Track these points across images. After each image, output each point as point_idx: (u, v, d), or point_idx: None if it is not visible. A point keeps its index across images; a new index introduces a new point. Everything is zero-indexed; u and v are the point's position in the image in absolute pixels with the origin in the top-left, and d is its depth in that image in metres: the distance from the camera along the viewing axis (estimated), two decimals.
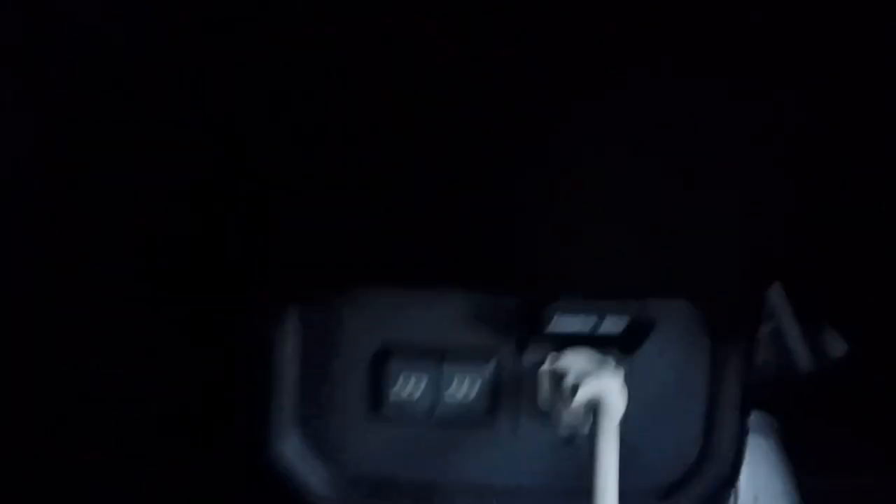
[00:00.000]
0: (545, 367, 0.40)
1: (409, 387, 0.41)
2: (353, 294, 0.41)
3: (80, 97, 0.35)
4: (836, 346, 0.51)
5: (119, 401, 0.42)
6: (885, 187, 0.44)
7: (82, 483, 0.40)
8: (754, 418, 0.50)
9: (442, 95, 0.30)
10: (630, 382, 0.42)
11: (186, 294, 0.43)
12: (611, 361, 0.40)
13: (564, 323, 0.39)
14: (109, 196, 0.39)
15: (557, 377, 0.39)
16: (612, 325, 0.39)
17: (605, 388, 0.37)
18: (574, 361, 0.40)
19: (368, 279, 0.41)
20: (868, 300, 0.48)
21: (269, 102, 0.32)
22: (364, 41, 0.30)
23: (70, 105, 0.35)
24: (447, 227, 0.37)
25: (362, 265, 0.41)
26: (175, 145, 0.37)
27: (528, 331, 0.40)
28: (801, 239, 0.40)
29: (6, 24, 0.31)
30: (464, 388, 0.41)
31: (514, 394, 0.41)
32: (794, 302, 0.50)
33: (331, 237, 0.39)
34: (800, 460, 0.49)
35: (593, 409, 0.37)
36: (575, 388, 0.38)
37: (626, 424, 0.42)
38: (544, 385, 0.40)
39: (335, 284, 0.41)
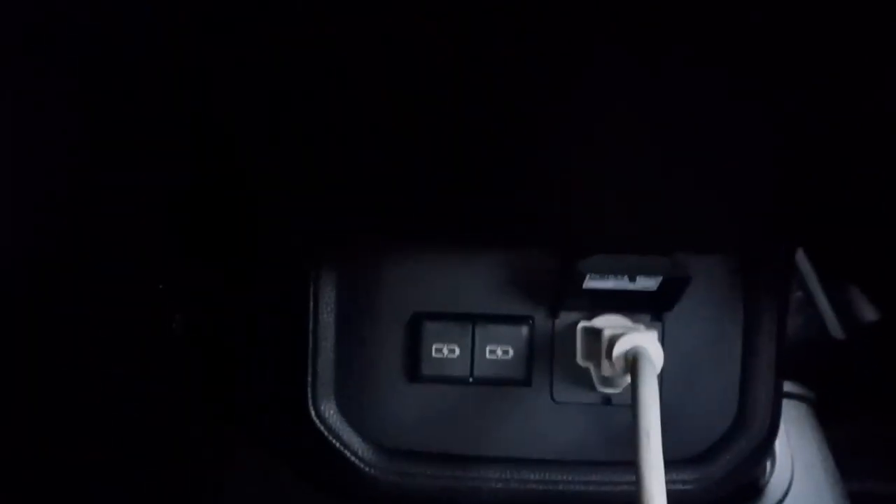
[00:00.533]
0: (582, 323, 0.40)
1: (445, 350, 0.41)
2: (388, 258, 0.42)
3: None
4: (866, 312, 0.51)
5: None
6: None
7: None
8: (787, 386, 0.50)
9: (471, 53, 0.30)
10: (665, 343, 0.42)
11: (223, 257, 0.44)
12: (642, 323, 0.40)
13: (599, 281, 0.39)
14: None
15: (594, 334, 0.39)
16: (647, 282, 0.40)
17: (642, 340, 0.37)
18: (608, 320, 0.41)
19: (403, 242, 0.42)
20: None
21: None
22: None
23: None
24: (480, 189, 0.37)
25: (397, 228, 0.41)
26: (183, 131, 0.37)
27: (563, 290, 0.40)
28: (832, 200, 0.40)
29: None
30: (500, 349, 0.41)
31: (549, 354, 0.42)
32: (822, 269, 0.50)
33: (364, 201, 0.39)
34: (834, 428, 0.49)
35: (631, 364, 0.37)
36: (612, 344, 0.38)
37: (662, 389, 0.42)
38: (581, 342, 0.40)
39: (369, 248, 0.42)
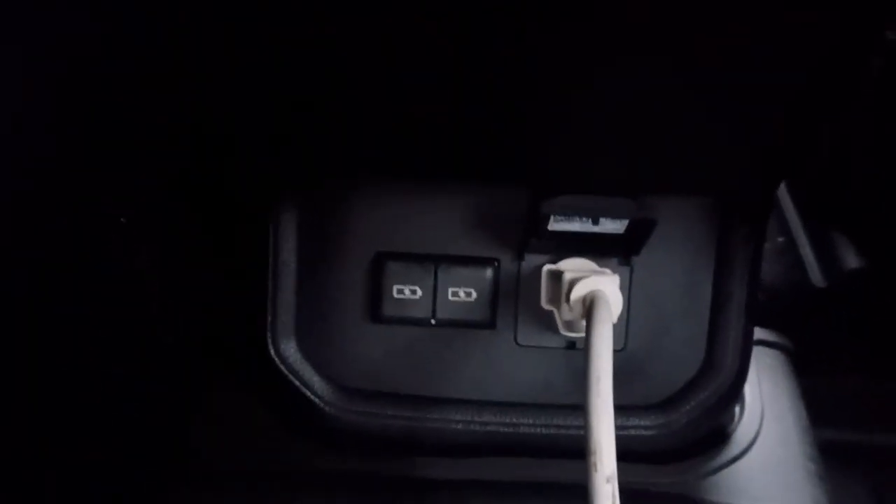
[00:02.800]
0: (546, 266, 0.40)
1: (406, 291, 0.41)
2: (351, 198, 0.41)
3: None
4: (849, 259, 0.49)
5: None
6: None
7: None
8: (764, 334, 0.49)
9: None
10: (633, 287, 0.41)
11: (189, 198, 0.43)
12: (609, 269, 0.39)
13: (564, 223, 0.38)
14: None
15: (557, 277, 0.39)
16: (613, 224, 0.38)
17: (601, 284, 0.36)
18: (572, 264, 0.40)
19: (366, 182, 0.41)
20: (881, 211, 0.47)
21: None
22: None
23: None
24: (444, 127, 0.36)
25: (359, 164, 0.40)
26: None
27: (528, 231, 0.39)
28: (812, 144, 0.39)
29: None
30: (462, 291, 0.41)
31: (514, 297, 0.41)
32: (805, 215, 0.49)
33: (325, 136, 0.38)
34: (810, 377, 0.48)
35: (588, 308, 0.36)
36: (571, 287, 0.37)
37: (627, 334, 0.41)
38: (545, 285, 0.40)
39: (331, 188, 0.41)
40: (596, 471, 0.31)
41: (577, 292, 0.36)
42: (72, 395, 0.39)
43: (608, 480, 0.30)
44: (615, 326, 0.38)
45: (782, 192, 0.51)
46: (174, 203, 0.44)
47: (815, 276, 0.50)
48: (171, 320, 0.45)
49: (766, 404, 0.46)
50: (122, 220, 0.43)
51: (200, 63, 0.35)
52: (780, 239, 0.50)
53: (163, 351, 0.45)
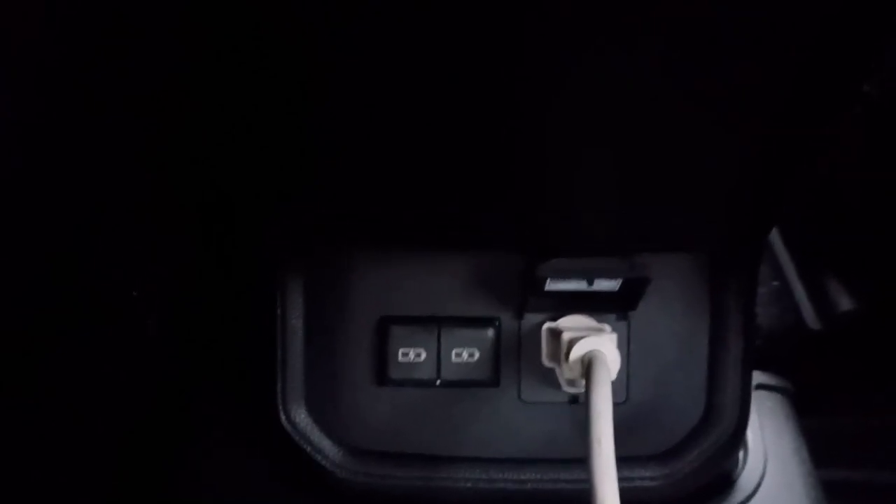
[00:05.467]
0: (546, 325, 0.41)
1: (411, 354, 0.42)
2: (354, 264, 0.42)
3: (79, 94, 0.36)
4: (842, 301, 0.51)
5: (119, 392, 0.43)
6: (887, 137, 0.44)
7: (81, 481, 0.41)
8: (763, 378, 0.50)
9: (435, 54, 0.30)
10: (632, 341, 0.42)
11: (195, 263, 0.44)
12: (608, 324, 0.41)
13: (560, 283, 0.40)
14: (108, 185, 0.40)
15: (557, 335, 0.40)
16: (608, 283, 0.40)
17: (598, 344, 0.37)
18: (571, 322, 0.41)
19: (369, 248, 0.42)
20: (873, 252, 0.48)
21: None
22: None
23: (69, 100, 0.36)
24: (444, 196, 0.38)
25: (363, 234, 0.41)
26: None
27: (528, 291, 0.40)
28: (802, 191, 0.40)
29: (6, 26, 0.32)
30: (466, 352, 0.42)
31: (517, 354, 0.42)
32: (798, 258, 0.50)
33: (330, 208, 0.40)
34: (811, 418, 0.49)
35: (586, 369, 0.37)
36: (570, 347, 0.38)
37: (629, 387, 0.42)
38: (546, 342, 0.41)
39: (336, 255, 0.42)
40: None
41: (576, 353, 0.37)
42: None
43: None
44: (616, 381, 0.39)
45: (774, 236, 0.52)
46: (181, 273, 0.46)
47: (810, 318, 0.51)
48: (175, 381, 0.46)
49: (770, 448, 0.46)
50: (133, 293, 0.44)
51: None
52: (775, 283, 0.52)
53: (168, 413, 0.46)
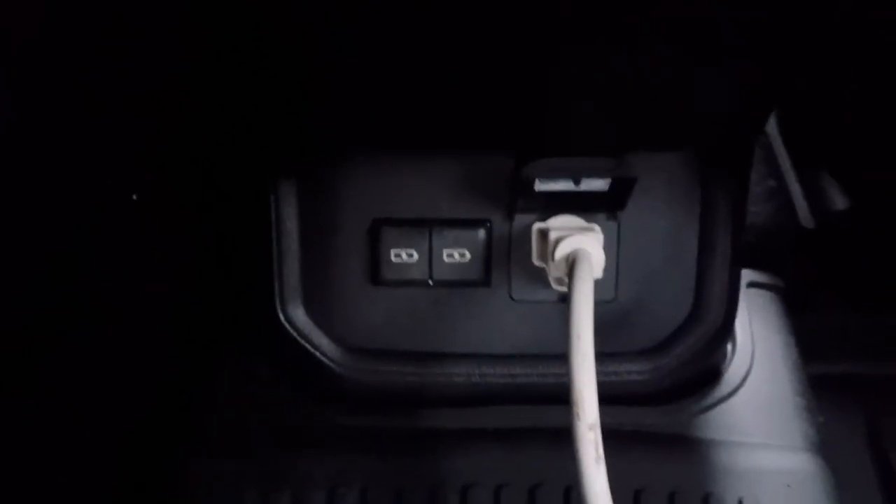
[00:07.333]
0: (536, 225, 0.41)
1: (403, 255, 0.43)
2: (346, 168, 0.42)
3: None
4: (837, 200, 0.50)
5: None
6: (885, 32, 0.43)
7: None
8: (755, 275, 0.51)
9: None
10: (621, 241, 0.42)
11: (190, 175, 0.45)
12: (597, 224, 0.41)
13: (549, 183, 0.40)
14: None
15: (545, 234, 0.40)
16: (596, 183, 0.40)
17: (583, 243, 0.38)
18: (561, 222, 0.41)
19: (360, 151, 0.42)
20: (869, 153, 0.48)
21: None
22: None
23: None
24: (434, 97, 0.38)
25: (353, 136, 0.42)
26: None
27: (516, 193, 0.41)
28: (795, 86, 0.39)
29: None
30: (457, 252, 0.43)
31: (507, 255, 0.43)
32: (796, 158, 0.50)
33: (322, 112, 0.40)
34: (802, 315, 0.50)
35: (570, 266, 0.37)
36: (556, 246, 0.39)
37: (617, 285, 0.43)
38: (535, 243, 0.41)
39: (328, 159, 0.42)
40: (579, 420, 0.33)
41: (561, 251, 0.38)
42: (75, 373, 0.40)
43: (590, 428, 0.33)
44: (604, 279, 0.40)
45: (774, 137, 0.52)
46: (176, 180, 0.46)
47: (805, 216, 0.51)
48: (174, 295, 0.48)
49: (757, 343, 0.48)
50: (133, 197, 0.45)
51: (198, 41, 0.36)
52: (771, 182, 0.51)
53: (168, 327, 0.48)
